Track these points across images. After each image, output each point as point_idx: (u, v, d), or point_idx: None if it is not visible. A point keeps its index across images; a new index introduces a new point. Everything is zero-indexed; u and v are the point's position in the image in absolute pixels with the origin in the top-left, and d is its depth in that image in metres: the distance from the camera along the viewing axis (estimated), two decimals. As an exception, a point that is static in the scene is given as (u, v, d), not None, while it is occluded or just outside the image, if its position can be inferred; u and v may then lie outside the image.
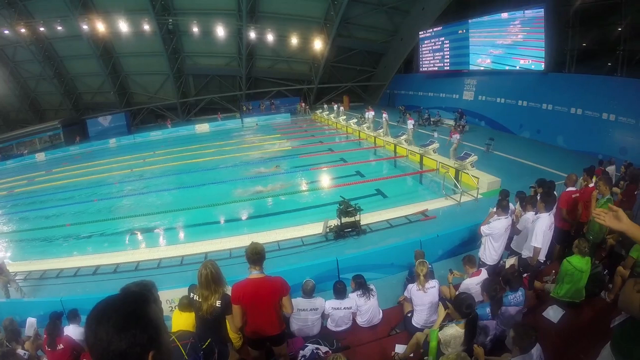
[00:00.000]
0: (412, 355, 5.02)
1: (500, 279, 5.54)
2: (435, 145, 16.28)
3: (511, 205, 7.31)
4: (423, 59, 31.40)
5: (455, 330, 4.16)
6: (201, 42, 34.02)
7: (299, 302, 5.60)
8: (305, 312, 5.72)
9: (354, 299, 5.95)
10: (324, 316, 5.97)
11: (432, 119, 26.68)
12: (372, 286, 6.19)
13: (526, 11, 20.51)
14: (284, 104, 39.96)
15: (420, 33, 30.54)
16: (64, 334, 5.65)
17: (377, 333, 6.02)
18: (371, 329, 6.08)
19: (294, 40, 32.99)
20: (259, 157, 21.11)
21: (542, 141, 19.15)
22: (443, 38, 28.22)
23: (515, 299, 5.17)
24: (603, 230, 6.85)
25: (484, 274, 5.99)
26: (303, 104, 39.10)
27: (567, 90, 19.01)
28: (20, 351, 5.62)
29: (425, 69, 31.61)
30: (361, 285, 6.06)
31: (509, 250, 7.20)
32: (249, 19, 31.34)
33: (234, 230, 11.67)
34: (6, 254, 11.74)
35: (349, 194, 12.27)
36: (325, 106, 33.26)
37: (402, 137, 18.80)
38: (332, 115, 30.03)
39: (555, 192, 7.50)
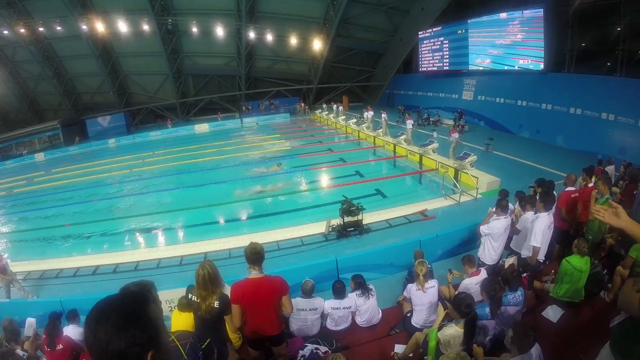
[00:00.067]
0: (411, 355, 5.02)
1: (500, 279, 5.54)
2: (435, 145, 16.28)
3: (510, 205, 7.31)
4: (422, 59, 31.43)
5: (454, 330, 4.16)
6: (200, 42, 34.02)
7: (298, 302, 5.60)
8: (305, 312, 5.72)
9: (353, 298, 5.95)
10: (323, 316, 5.98)
11: (431, 119, 26.67)
12: (371, 286, 6.19)
13: (525, 11, 20.52)
14: (283, 104, 39.94)
15: (419, 33, 30.57)
16: (63, 334, 5.64)
17: (377, 333, 6.02)
18: (370, 329, 6.07)
19: (294, 41, 33.01)
20: (258, 157, 21.10)
21: (541, 141, 19.16)
22: (442, 38, 28.25)
23: (514, 298, 5.17)
24: (602, 230, 6.86)
25: (483, 274, 5.99)
26: (302, 104, 39.13)
27: (566, 90, 19.02)
28: (19, 352, 5.62)
29: (425, 69, 31.64)
30: (360, 285, 6.06)
31: (508, 250, 7.20)
32: (248, 19, 31.33)
33: (234, 230, 11.66)
34: (5, 254, 11.72)
35: (348, 194, 12.26)
36: (325, 106, 33.24)
37: (401, 137, 18.80)
38: (331, 115, 30.04)
39: (554, 192, 7.51)
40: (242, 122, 36.24)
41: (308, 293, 5.79)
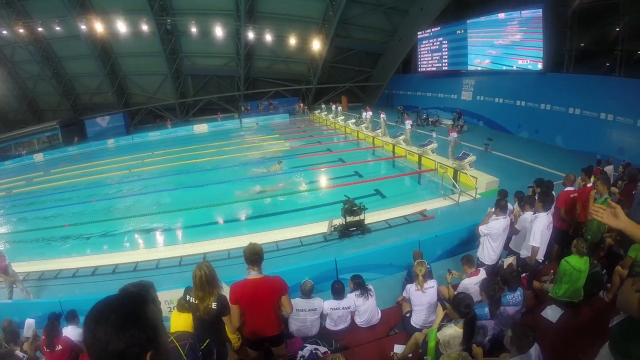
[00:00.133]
0: (410, 355, 5.02)
1: (499, 279, 5.54)
2: (434, 145, 16.29)
3: (509, 205, 7.32)
4: (421, 59, 31.48)
5: (454, 330, 4.16)
6: (199, 42, 34.03)
7: (297, 302, 5.59)
8: (304, 313, 5.72)
9: (352, 299, 5.95)
10: (323, 316, 5.97)
11: (430, 119, 26.68)
12: (370, 286, 6.18)
13: (523, 11, 20.55)
14: (282, 104, 39.95)
15: (418, 33, 30.60)
16: (63, 335, 5.64)
17: (376, 333, 6.01)
18: (370, 329, 6.07)
19: (293, 41, 33.05)
20: (257, 157, 21.11)
21: (540, 141, 19.18)
22: (441, 38, 28.28)
23: (513, 298, 5.17)
24: (601, 230, 6.87)
25: (482, 274, 6.00)
26: (301, 105, 39.12)
27: (565, 90, 19.05)
28: (19, 353, 5.61)
29: (424, 69, 31.69)
30: (359, 286, 6.06)
31: (507, 250, 7.20)
32: (247, 19, 31.34)
33: (233, 230, 11.65)
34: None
35: (347, 194, 12.26)
36: (324, 106, 33.25)
37: (400, 138, 18.81)
38: (330, 116, 30.06)
39: (553, 192, 7.51)
40: (241, 123, 36.22)
41: (307, 293, 5.78)
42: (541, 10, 19.43)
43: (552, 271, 6.50)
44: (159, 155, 24.53)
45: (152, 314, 1.35)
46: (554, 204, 7.02)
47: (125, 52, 35.30)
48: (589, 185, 7.57)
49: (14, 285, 8.80)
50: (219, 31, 31.71)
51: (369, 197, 13.15)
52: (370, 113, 23.32)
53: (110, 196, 16.77)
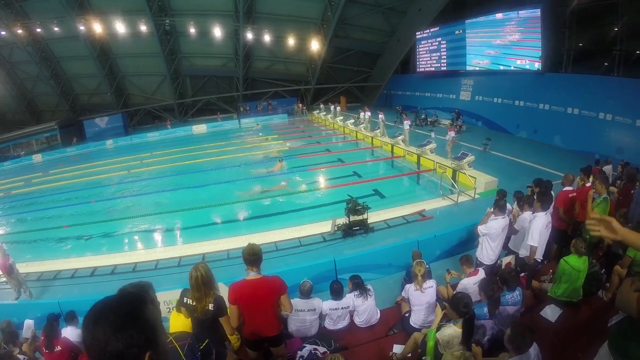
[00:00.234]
0: (409, 355, 5.02)
1: (498, 279, 5.55)
2: (433, 145, 16.27)
3: (508, 205, 7.33)
4: (420, 60, 31.47)
5: (453, 330, 4.16)
6: (198, 43, 34.05)
7: (296, 302, 5.58)
8: (303, 313, 5.72)
9: (351, 299, 5.95)
10: (322, 316, 5.97)
11: (429, 119, 26.69)
12: (369, 286, 6.18)
13: (520, 11, 20.57)
14: (281, 104, 39.94)
15: (417, 33, 30.59)
16: (62, 335, 5.64)
17: (375, 333, 6.02)
18: (369, 329, 6.08)
19: (291, 41, 33.07)
20: (256, 157, 21.11)
21: (539, 141, 19.19)
22: (440, 38, 28.28)
23: (512, 298, 5.17)
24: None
25: (481, 274, 6.01)
26: (300, 105, 39.12)
27: (563, 90, 19.06)
28: (19, 356, 5.61)
29: (422, 69, 31.68)
30: (358, 286, 6.06)
31: (506, 250, 7.21)
32: (245, 19, 31.35)
33: (232, 231, 11.63)
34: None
35: (346, 194, 12.24)
36: (322, 107, 33.27)
37: (399, 138, 18.81)
38: (329, 116, 30.05)
39: (552, 192, 7.52)
40: (240, 123, 36.21)
41: (306, 294, 5.78)
42: (540, 10, 19.44)
43: (551, 271, 6.51)
44: (158, 156, 24.50)
45: (151, 315, 1.35)
46: (552, 204, 7.03)
47: (123, 52, 35.29)
48: (588, 184, 7.58)
49: (22, 290, 8.77)
50: (217, 32, 31.72)
51: (368, 197, 13.12)
52: (368, 113, 23.32)
53: (109, 197, 16.76)
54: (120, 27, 30.65)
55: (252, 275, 4.15)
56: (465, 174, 13.17)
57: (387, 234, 10.19)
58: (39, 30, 31.21)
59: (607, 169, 11.22)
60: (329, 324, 6.02)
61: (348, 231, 10.11)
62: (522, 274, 6.39)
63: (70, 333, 5.92)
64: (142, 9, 29.97)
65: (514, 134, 21.48)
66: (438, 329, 4.36)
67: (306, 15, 31.99)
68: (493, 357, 4.28)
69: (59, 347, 5.42)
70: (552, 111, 19.30)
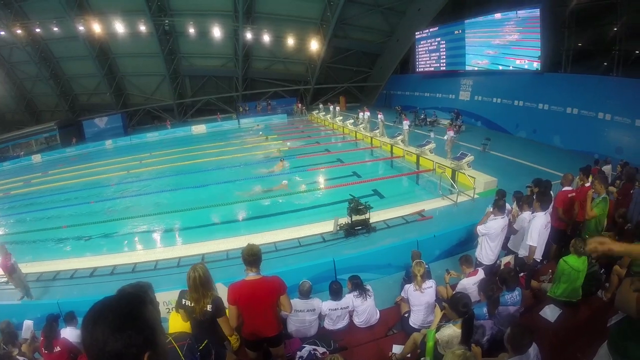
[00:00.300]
0: (409, 355, 5.02)
1: (497, 279, 5.55)
2: (432, 145, 16.27)
3: (507, 205, 7.32)
4: (419, 60, 31.47)
5: (452, 331, 4.16)
6: (197, 43, 34.03)
7: (295, 303, 5.58)
8: (303, 313, 5.72)
9: (350, 299, 5.96)
10: (321, 317, 5.97)
11: (428, 120, 26.70)
12: (368, 287, 6.18)
13: (519, 11, 20.58)
14: (280, 104, 39.94)
15: (416, 33, 30.59)
16: (61, 336, 5.63)
17: (375, 333, 6.02)
18: (368, 330, 6.08)
19: (291, 41, 33.08)
20: (256, 158, 21.10)
21: (538, 141, 19.20)
22: (439, 38, 28.28)
23: (512, 298, 5.18)
24: (599, 230, 6.88)
25: (480, 274, 6.01)
26: (299, 105, 39.11)
27: (563, 90, 19.05)
28: (19, 357, 5.61)
29: (422, 69, 31.67)
30: (357, 286, 6.06)
31: (505, 250, 7.22)
32: (245, 19, 31.35)
33: (231, 231, 11.60)
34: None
35: (346, 194, 12.23)
36: (322, 107, 33.25)
37: (398, 138, 18.81)
38: (328, 116, 30.06)
39: (551, 192, 7.52)
40: (240, 123, 36.19)
41: (305, 294, 5.78)
42: (539, 10, 19.45)
43: (550, 271, 6.51)
44: (157, 156, 24.48)
45: (150, 315, 1.35)
46: (552, 204, 7.03)
47: (123, 52, 35.27)
48: (587, 184, 7.58)
49: (25, 294, 8.76)
50: (216, 32, 31.72)
51: (368, 198, 13.10)
52: (368, 113, 23.34)
53: (109, 197, 16.75)
54: (119, 27, 30.67)
55: (251, 275, 4.14)
56: (464, 174, 13.17)
57: (387, 234, 10.18)
58: (38, 30, 31.19)
59: (607, 168, 11.24)
60: (328, 324, 6.02)
61: (350, 231, 10.12)
62: (522, 274, 6.39)
63: (70, 334, 5.92)
64: (141, 9, 29.96)
65: (513, 134, 21.48)
66: (437, 329, 4.36)
67: (305, 15, 31.99)
68: (492, 357, 4.28)
69: (58, 347, 5.42)
70: (551, 111, 19.31)
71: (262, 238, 9.93)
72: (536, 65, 20.30)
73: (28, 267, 10.30)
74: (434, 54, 29.47)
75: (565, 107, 18.48)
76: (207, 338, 3.25)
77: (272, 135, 27.86)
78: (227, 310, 4.13)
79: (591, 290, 5.53)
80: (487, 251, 6.76)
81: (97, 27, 30.43)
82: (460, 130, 21.69)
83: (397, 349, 5.27)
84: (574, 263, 5.20)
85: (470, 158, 13.70)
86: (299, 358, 5.09)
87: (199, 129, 35.71)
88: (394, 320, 6.26)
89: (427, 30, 29.43)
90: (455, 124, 22.63)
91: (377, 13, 31.10)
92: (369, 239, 9.93)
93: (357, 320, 6.08)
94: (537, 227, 6.10)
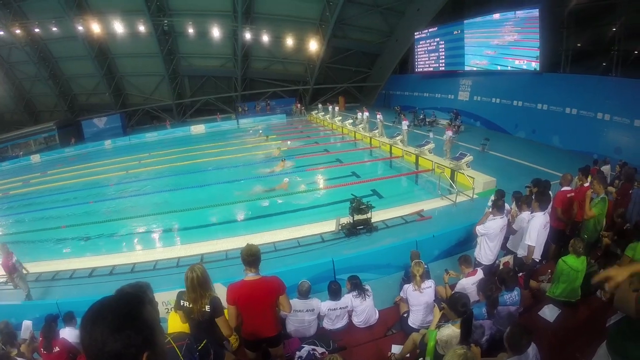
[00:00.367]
0: (408, 355, 5.02)
1: (496, 279, 5.55)
2: (431, 145, 16.29)
3: (507, 205, 7.33)
4: (418, 60, 31.48)
5: (451, 331, 4.16)
6: (196, 43, 33.98)
7: (295, 303, 5.57)
8: (302, 313, 5.72)
9: (349, 299, 5.96)
10: (320, 317, 5.97)
11: (427, 120, 26.71)
12: (367, 287, 6.18)
13: (518, 12, 20.61)
14: (279, 104, 39.91)
15: (415, 34, 30.62)
16: (60, 336, 5.63)
17: (374, 333, 6.02)
18: (367, 330, 6.08)
19: (290, 41, 33.03)
20: (255, 158, 21.08)
21: (537, 141, 19.23)
22: (438, 39, 28.31)
23: (511, 298, 5.18)
24: (598, 230, 6.89)
25: (479, 274, 6.02)
26: (298, 105, 39.11)
27: (562, 90, 19.08)
28: (17, 358, 5.60)
29: (421, 69, 31.69)
30: (356, 286, 6.06)
31: (504, 250, 7.22)
32: (244, 20, 31.32)
33: (230, 231, 11.60)
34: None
35: (345, 194, 12.25)
36: (321, 107, 33.24)
37: (397, 138, 18.82)
38: (327, 116, 30.05)
39: (550, 192, 7.53)
40: (239, 123, 36.17)
41: (304, 294, 5.78)
42: (538, 10, 19.47)
43: (549, 271, 6.51)
44: (156, 157, 24.47)
45: (149, 315, 1.35)
46: (550, 204, 7.03)
47: (122, 52, 35.21)
48: (586, 184, 7.59)
49: (25, 294, 8.74)
50: (216, 32, 31.68)
51: (367, 198, 13.12)
52: (367, 113, 23.35)
53: (108, 197, 16.74)
54: (118, 27, 30.60)
55: (250, 275, 4.14)
56: (463, 174, 13.18)
57: (386, 234, 10.20)
58: (37, 30, 31.11)
59: (605, 169, 11.25)
60: (327, 324, 6.02)
61: (352, 230, 10.14)
62: (521, 274, 6.40)
63: (69, 334, 5.91)
64: (140, 9, 29.91)
65: (512, 134, 21.51)
66: (437, 329, 4.36)
67: (305, 15, 31.98)
68: (492, 357, 4.28)
69: (57, 348, 5.41)
70: (550, 111, 19.34)
71: (261, 238, 9.95)
72: (535, 65, 20.32)
73: (27, 268, 10.29)
74: (433, 54, 29.48)
75: (564, 107, 18.51)
76: (206, 338, 3.25)
77: (272, 136, 27.86)
78: (225, 311, 4.13)
79: (590, 290, 5.53)
80: (486, 251, 6.76)
81: (96, 27, 30.36)
82: (459, 131, 21.70)
83: (396, 349, 5.27)
84: (573, 263, 5.21)
85: (469, 158, 13.71)
86: (298, 358, 5.09)
87: (198, 129, 35.68)
88: (393, 320, 6.26)
89: (426, 31, 29.44)
90: (454, 124, 22.60)
91: (376, 13, 31.11)
92: (369, 239, 9.94)
93: (356, 320, 6.08)
94: (536, 227, 6.10)
